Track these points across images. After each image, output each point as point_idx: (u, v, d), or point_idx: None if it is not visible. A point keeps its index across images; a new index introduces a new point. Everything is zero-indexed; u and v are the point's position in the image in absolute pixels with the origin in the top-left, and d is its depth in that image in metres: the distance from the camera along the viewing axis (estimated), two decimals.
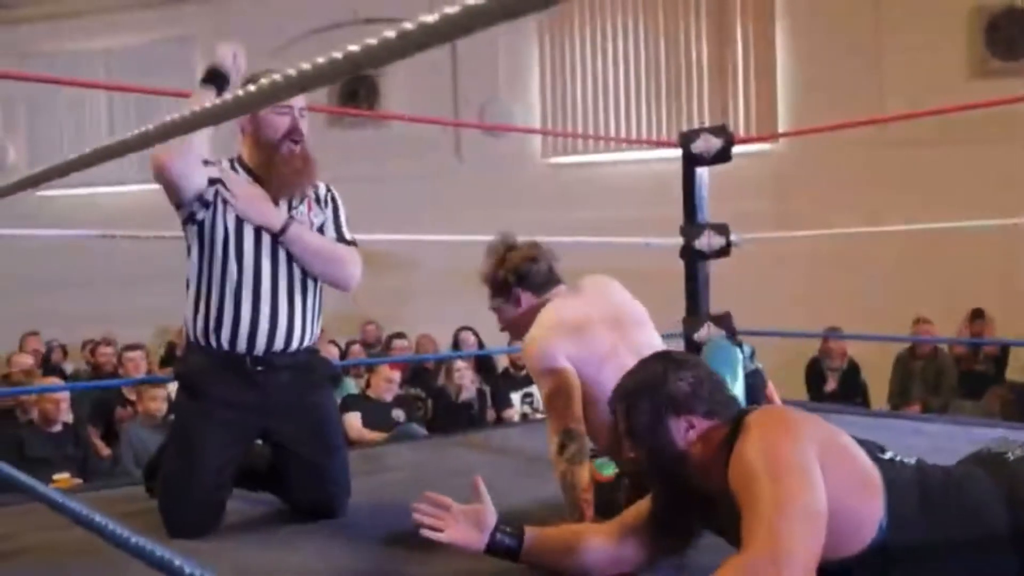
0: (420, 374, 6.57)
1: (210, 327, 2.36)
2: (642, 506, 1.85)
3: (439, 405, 5.89)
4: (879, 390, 6.71)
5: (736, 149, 7.49)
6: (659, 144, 7.05)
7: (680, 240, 4.27)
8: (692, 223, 4.33)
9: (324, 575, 2.06)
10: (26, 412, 4.73)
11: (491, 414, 5.96)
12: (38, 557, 2.24)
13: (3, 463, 1.63)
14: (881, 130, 7.19)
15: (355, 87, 8.55)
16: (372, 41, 0.79)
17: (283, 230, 2.37)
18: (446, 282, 6.10)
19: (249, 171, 2.42)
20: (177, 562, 1.00)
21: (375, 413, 5.36)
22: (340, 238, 2.51)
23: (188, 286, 2.42)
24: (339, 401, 5.77)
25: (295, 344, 2.40)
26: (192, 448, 2.32)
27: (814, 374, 6.66)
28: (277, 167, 2.39)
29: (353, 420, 5.29)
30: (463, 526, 1.86)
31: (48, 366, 6.87)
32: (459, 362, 5.86)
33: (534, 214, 7.29)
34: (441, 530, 1.84)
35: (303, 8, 8.64)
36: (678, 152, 4.26)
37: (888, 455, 1.65)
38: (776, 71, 7.78)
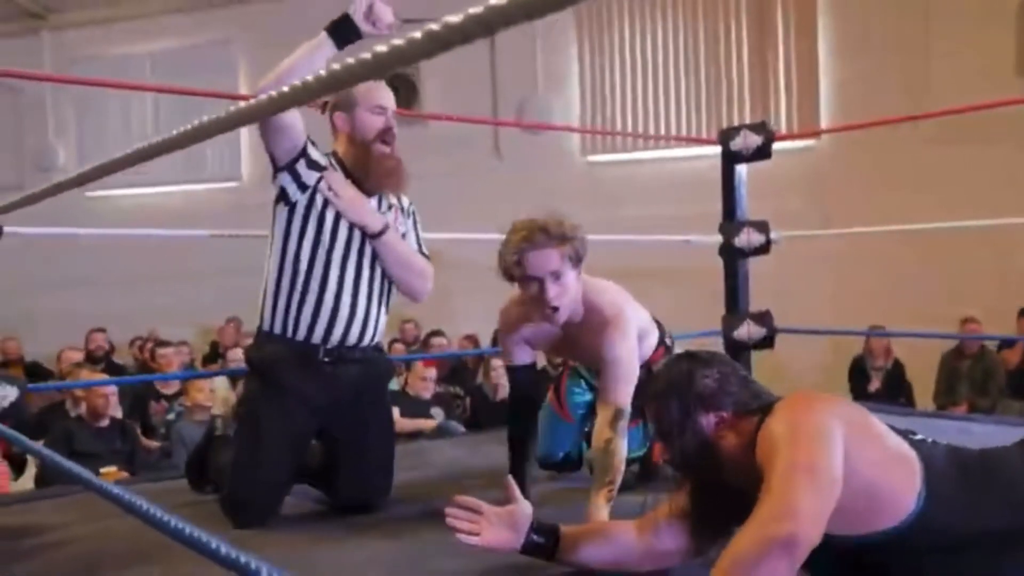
0: (459, 372, 6.61)
1: (290, 314, 2.39)
2: (676, 502, 1.85)
3: (477, 403, 5.92)
4: (924, 391, 6.62)
5: (778, 146, 7.42)
6: (698, 141, 7.02)
7: (719, 238, 4.26)
8: (731, 221, 4.30)
9: (366, 568, 2.07)
10: (76, 406, 4.83)
11: None
12: (89, 546, 2.29)
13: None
14: (925, 127, 7.09)
15: (395, 86, 8.56)
16: (400, 42, 0.80)
17: (380, 233, 2.42)
18: (485, 280, 6.10)
19: (344, 168, 2.46)
20: (235, 555, 1.00)
21: (413, 410, 5.40)
22: (419, 251, 2.58)
23: (268, 271, 2.44)
24: None
25: (367, 340, 2.46)
26: (263, 435, 2.36)
27: (858, 374, 6.59)
28: (372, 166, 2.44)
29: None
30: (497, 528, 1.86)
31: (92, 359, 7.01)
32: (497, 360, 5.87)
33: (573, 212, 7.18)
34: (477, 534, 1.85)
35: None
36: (718, 149, 4.23)
37: (919, 436, 1.67)
38: (818, 67, 7.69)
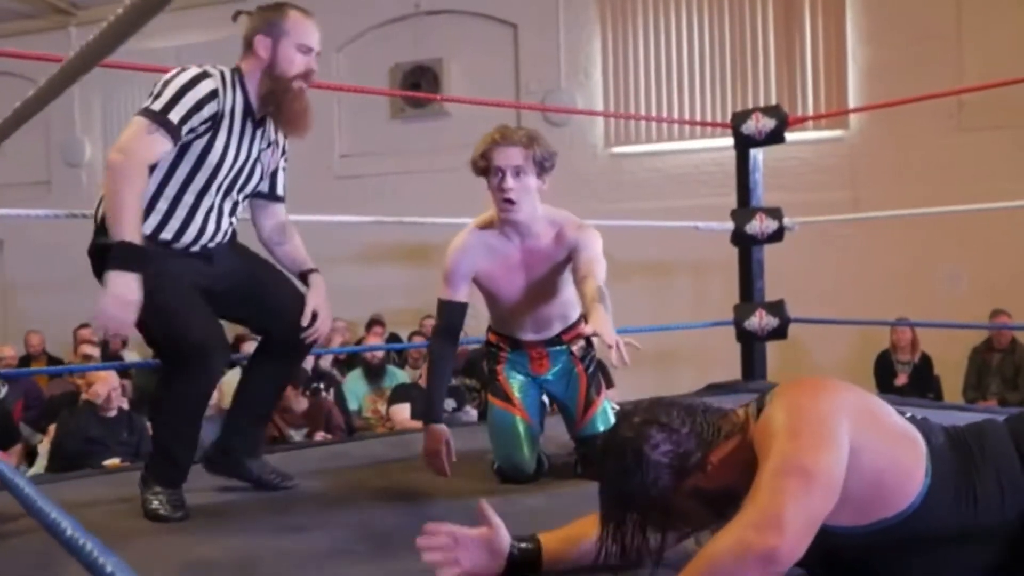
0: (476, 365, 6.53)
1: (165, 221, 2.32)
2: None
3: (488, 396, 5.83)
4: (953, 385, 6.43)
5: (807, 136, 7.37)
6: (712, 125, 6.87)
7: (731, 225, 4.14)
8: (745, 207, 4.18)
9: (333, 557, 2.00)
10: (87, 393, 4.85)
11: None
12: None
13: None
14: (957, 115, 6.88)
15: (417, 79, 8.54)
16: None
17: None
18: None
19: (244, 91, 2.36)
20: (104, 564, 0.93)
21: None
22: (280, 192, 2.59)
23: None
24: (389, 391, 5.77)
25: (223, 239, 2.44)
26: (169, 291, 2.26)
27: (884, 368, 6.41)
28: (285, 104, 2.38)
29: (401, 412, 5.28)
30: (476, 553, 1.74)
31: (105, 355, 7.02)
32: None
33: (597, 204, 7.19)
34: (454, 563, 1.72)
35: (366, 3, 8.67)
36: None
37: (910, 414, 1.57)
38: (847, 53, 7.49)
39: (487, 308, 2.82)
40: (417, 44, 8.57)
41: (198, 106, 2.23)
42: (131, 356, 7.54)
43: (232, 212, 2.45)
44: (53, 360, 7.92)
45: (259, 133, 2.41)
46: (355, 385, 6.43)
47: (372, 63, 8.54)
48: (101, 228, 2.27)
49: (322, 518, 2.31)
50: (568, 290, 2.72)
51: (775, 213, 4.06)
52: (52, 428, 4.89)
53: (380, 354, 6.49)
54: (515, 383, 2.76)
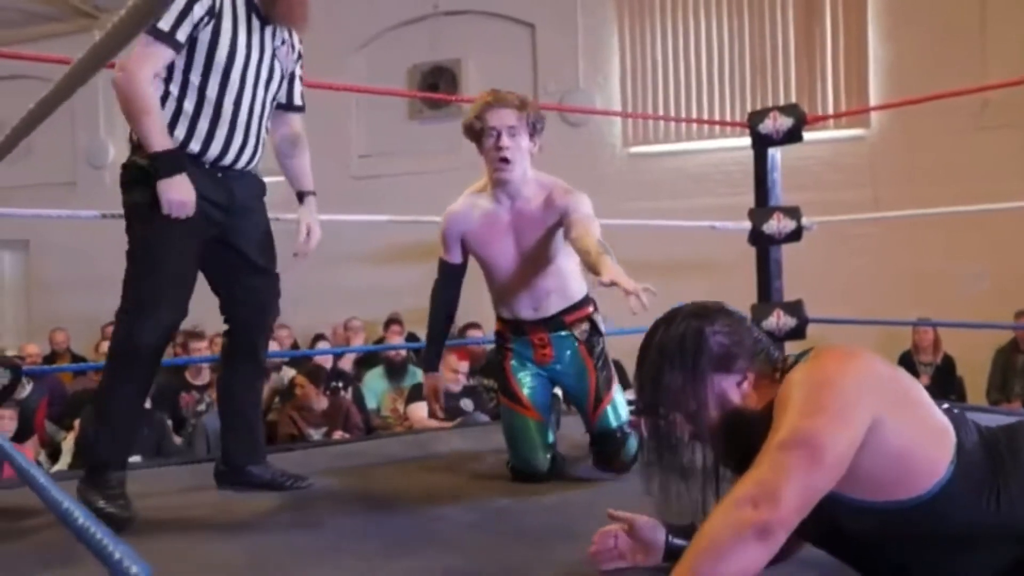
0: (494, 365, 6.53)
1: (192, 138, 2.36)
2: None
3: None
4: (976, 387, 6.36)
5: (828, 135, 7.33)
6: (729, 125, 6.84)
7: (748, 224, 4.12)
8: (763, 206, 4.17)
9: (346, 554, 2.01)
10: None
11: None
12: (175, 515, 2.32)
13: None
14: (979, 114, 6.81)
15: (435, 80, 8.55)
16: None
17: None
18: None
19: None
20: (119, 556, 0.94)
21: (446, 402, 5.34)
22: (299, 100, 2.66)
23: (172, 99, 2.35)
24: (408, 390, 5.79)
25: (251, 161, 2.49)
26: (163, 233, 2.31)
27: (905, 369, 6.34)
28: None
29: (418, 411, 5.29)
30: (638, 550, 1.77)
31: None
32: None
33: (616, 204, 7.14)
34: (617, 557, 1.77)
35: (383, 4, 8.70)
36: None
37: (946, 405, 1.54)
38: (868, 52, 7.44)
39: (488, 287, 2.82)
40: (435, 45, 8.59)
41: (188, 7, 2.25)
42: None
43: (260, 118, 2.46)
44: (77, 358, 7.99)
45: (268, 30, 2.44)
46: (375, 383, 6.45)
47: (390, 64, 8.57)
48: (136, 147, 2.34)
49: (336, 516, 2.33)
50: (562, 260, 2.71)
51: (793, 212, 4.04)
52: (77, 424, 4.93)
53: (402, 352, 6.51)
54: (524, 381, 2.74)
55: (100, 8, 9.65)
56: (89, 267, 8.70)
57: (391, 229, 7.28)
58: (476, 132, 2.66)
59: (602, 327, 2.79)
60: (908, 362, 6.37)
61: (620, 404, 2.75)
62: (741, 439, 1.49)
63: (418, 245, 8.64)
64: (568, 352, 2.75)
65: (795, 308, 4.05)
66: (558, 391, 2.90)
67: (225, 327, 2.59)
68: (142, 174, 2.28)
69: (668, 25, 8.06)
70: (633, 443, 2.69)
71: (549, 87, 8.35)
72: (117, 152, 9.84)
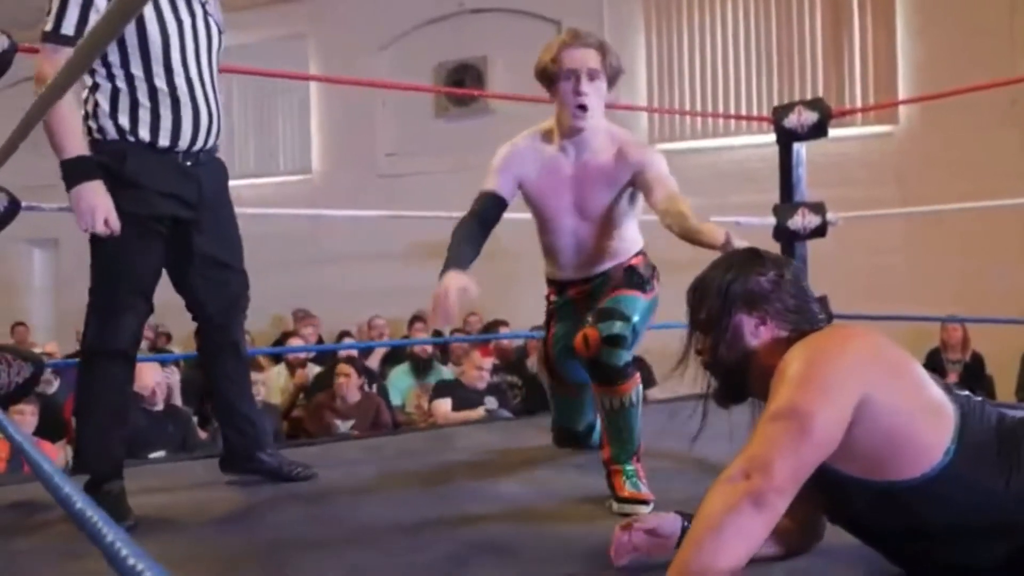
0: (519, 362, 6.54)
1: (139, 124, 2.26)
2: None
3: (532, 393, 5.84)
4: (1006, 385, 6.27)
5: (857, 131, 7.24)
6: (753, 119, 6.79)
7: (773, 220, 4.09)
8: (788, 202, 4.13)
9: (359, 547, 2.02)
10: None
11: None
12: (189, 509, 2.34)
13: None
14: (1009, 110, 6.71)
15: (461, 77, 8.57)
16: None
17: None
18: None
19: None
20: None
21: (466, 400, 5.35)
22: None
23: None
24: (432, 386, 5.81)
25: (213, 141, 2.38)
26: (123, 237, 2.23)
27: (934, 366, 6.28)
28: None
29: (442, 406, 5.30)
30: (654, 543, 1.77)
31: (155, 351, 7.15)
32: None
33: (641, 200, 7.13)
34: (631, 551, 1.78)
35: (409, 2, 8.72)
36: None
37: (966, 393, 1.56)
38: (896, 49, 7.35)
39: (539, 236, 2.58)
40: (461, 42, 8.60)
41: (87, 2, 2.15)
42: (176, 350, 7.68)
43: (214, 88, 2.35)
44: None
45: None
46: (400, 380, 6.47)
47: (416, 62, 8.59)
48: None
49: (356, 509, 2.34)
50: (625, 223, 2.48)
51: (818, 208, 4.00)
52: None
53: (427, 349, 6.52)
54: (562, 351, 2.57)
55: None
56: None
57: (417, 227, 7.28)
58: (551, 75, 2.40)
59: (646, 270, 2.49)
60: (937, 360, 6.30)
61: (638, 306, 2.33)
62: (735, 374, 1.60)
63: (444, 243, 8.58)
64: (601, 281, 2.52)
65: (821, 304, 4.02)
66: None
67: (195, 326, 2.53)
68: (101, 172, 2.17)
69: (695, 21, 8.01)
70: (626, 355, 2.30)
71: None
72: None
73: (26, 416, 4.42)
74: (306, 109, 9.33)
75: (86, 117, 2.25)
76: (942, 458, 1.45)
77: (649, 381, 5.49)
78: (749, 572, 1.42)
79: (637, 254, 2.53)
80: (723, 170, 7.77)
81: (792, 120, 3.94)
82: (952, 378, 6.17)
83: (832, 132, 4.08)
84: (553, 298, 2.63)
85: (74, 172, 2.11)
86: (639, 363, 5.74)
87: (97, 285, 2.29)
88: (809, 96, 7.30)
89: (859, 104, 7.34)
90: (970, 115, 6.51)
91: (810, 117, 3.91)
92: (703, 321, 1.65)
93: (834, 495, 1.52)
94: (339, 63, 8.67)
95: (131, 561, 0.74)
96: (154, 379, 4.72)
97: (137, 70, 2.22)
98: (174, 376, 5.17)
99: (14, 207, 2.66)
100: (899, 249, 6.84)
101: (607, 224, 2.46)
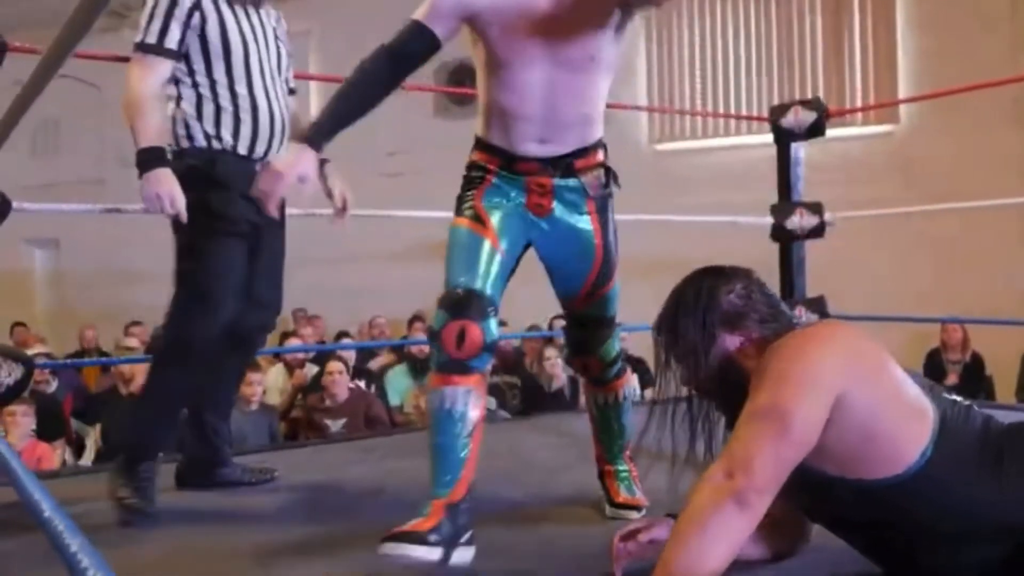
0: (517, 362, 6.53)
1: (221, 126, 2.39)
2: None
3: (529, 394, 5.83)
4: (1006, 386, 6.25)
5: (857, 131, 7.23)
6: (750, 119, 6.78)
7: (771, 220, 4.08)
8: (785, 201, 4.12)
9: (356, 548, 2.01)
10: (127, 387, 4.94)
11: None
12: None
13: None
14: (1012, 108, 6.70)
15: (462, 77, 8.55)
16: None
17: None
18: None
19: None
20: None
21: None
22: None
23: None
24: None
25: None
26: (222, 241, 2.37)
27: (933, 367, 6.27)
28: None
29: None
30: (650, 546, 1.74)
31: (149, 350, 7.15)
32: (550, 350, 5.77)
33: (641, 201, 7.08)
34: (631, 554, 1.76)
35: (412, 1, 8.70)
36: None
37: (952, 396, 1.55)
38: (897, 47, 7.34)
39: (482, 95, 2.07)
40: (461, 42, 8.59)
41: (169, 11, 2.29)
42: None
43: (283, 106, 2.49)
44: (104, 356, 8.07)
45: (262, 12, 2.48)
46: (398, 380, 6.46)
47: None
48: (177, 152, 2.38)
49: (345, 512, 2.33)
50: (602, 80, 2.02)
51: (816, 208, 3.99)
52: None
53: (425, 349, 6.50)
54: (495, 206, 2.02)
55: (129, 7, 9.75)
56: (118, 265, 8.82)
57: (418, 227, 7.28)
58: None
59: (618, 182, 2.12)
60: (937, 360, 6.28)
61: (616, 296, 2.14)
62: (735, 395, 1.56)
63: (444, 244, 8.66)
64: (572, 211, 2.06)
65: (817, 304, 4.01)
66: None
67: None
68: (193, 174, 2.31)
69: (695, 20, 8.02)
70: (618, 344, 2.21)
71: None
72: None
73: (18, 417, 4.39)
74: (306, 108, 9.30)
75: (173, 124, 2.38)
76: (918, 459, 1.44)
77: (646, 381, 5.48)
78: (736, 574, 1.42)
79: (600, 146, 2.09)
80: (723, 170, 7.76)
81: (789, 120, 3.93)
82: (952, 379, 6.15)
83: (833, 132, 4.08)
84: (493, 169, 2.05)
85: (145, 160, 2.23)
86: (639, 363, 5.70)
87: (189, 280, 2.37)
88: (809, 94, 7.31)
89: (859, 102, 7.33)
90: (972, 114, 6.50)
91: (807, 117, 3.90)
92: (685, 354, 1.61)
93: (813, 493, 1.52)
94: (338, 63, 8.66)
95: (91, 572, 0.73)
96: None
97: (220, 76, 2.36)
98: None
99: (4, 207, 2.65)
100: (899, 248, 6.82)
101: (584, 78, 1.99)
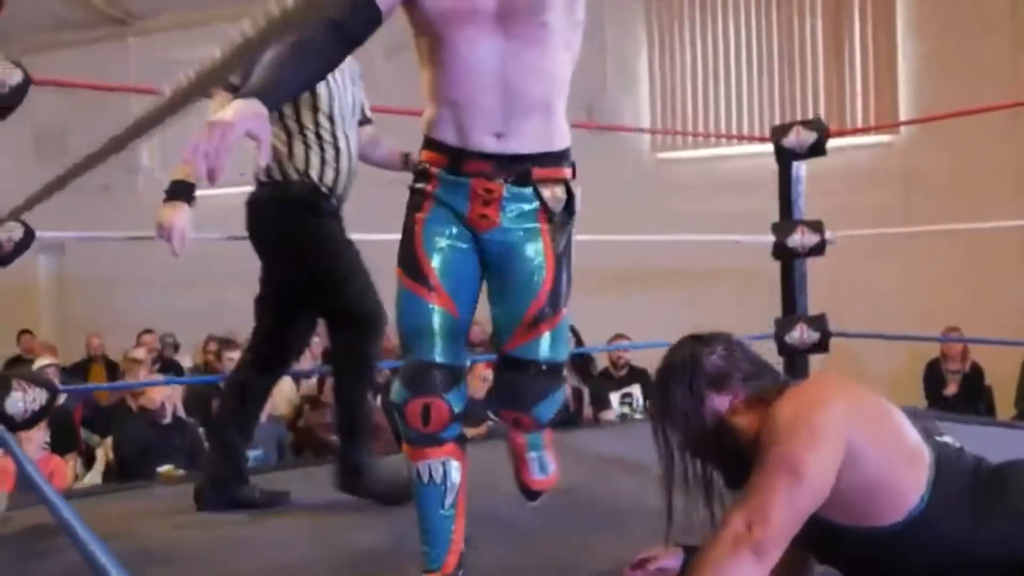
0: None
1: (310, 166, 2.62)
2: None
3: None
4: (1005, 396, 6.31)
5: (857, 141, 7.26)
6: (752, 139, 6.84)
7: (771, 238, 4.13)
8: (787, 219, 4.17)
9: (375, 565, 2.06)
10: (136, 400, 4.97)
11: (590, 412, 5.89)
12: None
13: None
14: (1013, 121, 6.73)
15: None
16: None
17: None
18: None
19: None
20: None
21: (469, 410, 5.35)
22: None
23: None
24: None
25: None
26: (342, 248, 2.70)
27: (933, 377, 6.32)
28: None
29: None
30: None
31: (162, 361, 7.20)
32: None
33: (643, 210, 7.17)
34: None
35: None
36: None
37: (944, 439, 1.61)
38: (897, 58, 7.39)
39: (428, 88, 1.89)
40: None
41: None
42: (183, 360, 7.72)
43: (355, 151, 2.71)
44: (110, 363, 8.12)
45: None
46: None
47: (419, 71, 8.61)
48: (271, 182, 2.62)
49: (351, 530, 2.38)
50: (563, 63, 1.83)
51: (816, 226, 4.04)
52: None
53: None
54: (436, 247, 1.80)
55: (133, 15, 9.80)
56: (123, 271, 8.85)
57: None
58: None
59: (578, 202, 1.87)
60: (936, 369, 6.34)
61: (564, 336, 1.82)
62: (731, 453, 1.63)
63: None
64: (522, 226, 1.81)
65: (818, 322, 4.06)
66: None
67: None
68: (300, 202, 2.58)
69: (697, 31, 8.06)
70: (560, 397, 1.90)
71: (577, 93, 8.29)
72: (151, 156, 9.99)
73: (32, 431, 4.40)
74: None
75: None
76: (918, 503, 1.50)
77: (648, 392, 5.52)
78: None
79: (565, 158, 1.88)
80: (725, 178, 7.79)
81: (791, 140, 3.98)
82: (952, 388, 6.21)
83: (833, 143, 4.12)
84: (436, 180, 1.81)
85: (174, 190, 2.43)
86: (641, 373, 5.70)
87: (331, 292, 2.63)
88: (810, 104, 7.38)
89: (860, 111, 7.40)
90: (973, 126, 6.53)
91: (808, 137, 3.95)
92: (678, 418, 1.67)
93: (820, 538, 1.58)
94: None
95: None
96: (163, 392, 4.77)
97: (308, 121, 2.57)
98: (176, 390, 5.21)
99: (28, 237, 2.72)
100: (899, 261, 6.85)
101: (543, 60, 1.77)
